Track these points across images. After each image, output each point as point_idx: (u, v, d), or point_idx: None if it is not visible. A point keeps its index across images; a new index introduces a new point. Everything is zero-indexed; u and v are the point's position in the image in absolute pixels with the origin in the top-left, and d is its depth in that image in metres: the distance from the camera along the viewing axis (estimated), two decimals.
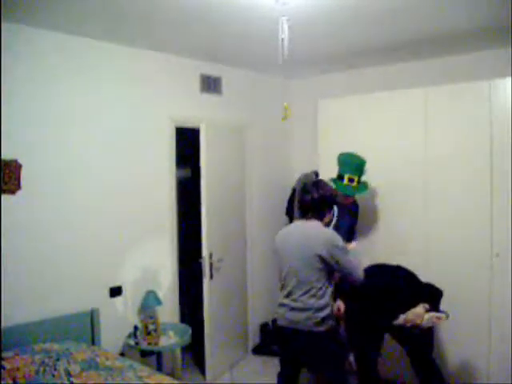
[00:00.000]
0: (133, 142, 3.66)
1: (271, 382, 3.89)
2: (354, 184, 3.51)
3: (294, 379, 2.87)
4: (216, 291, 3.98)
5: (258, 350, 4.52)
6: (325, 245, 2.62)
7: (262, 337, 4.66)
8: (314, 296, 2.65)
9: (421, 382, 3.07)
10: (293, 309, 2.70)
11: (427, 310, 2.78)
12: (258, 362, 4.28)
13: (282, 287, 2.80)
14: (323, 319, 2.65)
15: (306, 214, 2.81)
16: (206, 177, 3.80)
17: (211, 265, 3.88)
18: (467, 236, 3.39)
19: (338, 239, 2.68)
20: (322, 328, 2.65)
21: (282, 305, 2.78)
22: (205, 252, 3.83)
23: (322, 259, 2.62)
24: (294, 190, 4.71)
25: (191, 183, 4.73)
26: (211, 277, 3.89)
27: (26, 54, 3.03)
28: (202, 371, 3.97)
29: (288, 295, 2.74)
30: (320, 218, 2.80)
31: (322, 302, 2.66)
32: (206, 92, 4.21)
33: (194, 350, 4.02)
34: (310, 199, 2.77)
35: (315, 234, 2.71)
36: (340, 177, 3.54)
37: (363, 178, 3.58)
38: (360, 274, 2.71)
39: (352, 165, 3.52)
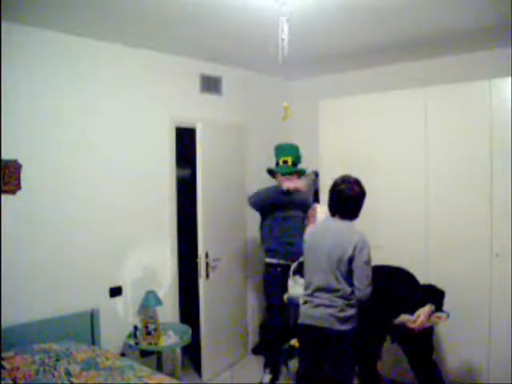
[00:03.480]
0: (133, 141, 3.66)
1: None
2: (289, 164, 3.80)
3: (315, 379, 2.83)
4: (213, 290, 3.98)
5: (257, 350, 4.52)
6: (354, 246, 2.62)
7: (261, 337, 4.66)
8: (341, 297, 2.65)
9: (420, 382, 3.06)
10: (318, 305, 2.69)
11: (433, 311, 2.79)
12: (257, 361, 4.28)
13: (307, 284, 2.78)
14: (348, 318, 2.65)
15: (343, 211, 2.74)
16: (201, 176, 3.79)
17: (207, 264, 3.88)
18: (467, 236, 3.38)
19: (368, 246, 2.67)
20: (344, 327, 2.64)
21: (306, 301, 2.77)
22: (201, 251, 3.83)
23: (350, 261, 2.62)
24: None
25: (191, 183, 4.72)
26: (207, 276, 3.89)
27: (26, 54, 3.03)
28: (200, 371, 3.96)
29: (313, 293, 2.73)
30: (356, 216, 2.76)
31: (349, 302, 2.66)
32: (206, 92, 4.21)
33: (194, 350, 4.02)
34: (354, 196, 2.70)
35: (350, 234, 2.68)
36: (276, 164, 3.88)
37: (300, 166, 3.95)
38: (367, 293, 2.64)
39: (283, 150, 3.88)
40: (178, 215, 4.02)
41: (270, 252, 3.85)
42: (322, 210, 3.53)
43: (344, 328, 2.64)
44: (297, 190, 3.81)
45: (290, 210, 3.79)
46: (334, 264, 2.64)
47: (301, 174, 3.93)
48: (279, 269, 3.79)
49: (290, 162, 3.79)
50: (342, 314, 2.64)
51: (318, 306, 2.69)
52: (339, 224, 2.74)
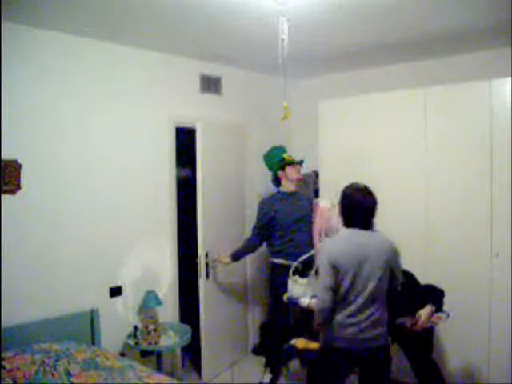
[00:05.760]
0: (133, 142, 3.66)
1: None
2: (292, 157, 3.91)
3: None
4: (213, 291, 3.99)
5: (257, 350, 4.52)
6: (393, 253, 2.54)
7: (261, 337, 4.66)
8: (383, 309, 2.52)
9: (420, 382, 3.07)
10: (366, 328, 2.44)
11: (433, 312, 2.79)
12: (257, 361, 4.27)
13: (344, 305, 2.45)
14: (388, 331, 2.55)
15: (365, 221, 2.54)
16: (201, 176, 3.79)
17: (207, 264, 3.88)
18: (467, 236, 3.38)
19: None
20: (388, 341, 2.54)
21: (348, 325, 2.45)
22: (200, 251, 3.82)
23: (390, 268, 2.52)
24: None
25: (192, 183, 4.72)
26: (207, 276, 3.89)
27: (26, 54, 3.03)
28: (200, 371, 3.96)
29: (355, 313, 2.44)
30: (372, 224, 2.58)
31: (387, 313, 2.55)
32: (206, 92, 4.21)
33: (194, 350, 4.02)
34: (373, 205, 2.55)
35: (384, 242, 2.54)
36: (281, 161, 3.87)
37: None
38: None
39: (281, 149, 3.98)
40: (179, 215, 4.02)
41: (277, 253, 3.85)
42: (326, 205, 3.55)
43: (387, 342, 2.54)
44: (299, 189, 3.91)
45: (296, 212, 3.79)
46: (380, 275, 2.46)
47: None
48: (285, 270, 3.78)
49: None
50: (385, 329, 2.51)
51: (366, 328, 2.44)
52: (368, 235, 2.53)
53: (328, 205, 3.55)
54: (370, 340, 2.45)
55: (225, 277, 4.17)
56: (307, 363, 3.88)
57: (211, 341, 3.95)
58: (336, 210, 3.42)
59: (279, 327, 3.88)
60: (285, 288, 3.82)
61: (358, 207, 2.54)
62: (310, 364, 2.83)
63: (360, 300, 2.44)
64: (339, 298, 2.45)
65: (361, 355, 2.47)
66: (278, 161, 3.89)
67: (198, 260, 3.84)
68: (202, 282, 3.85)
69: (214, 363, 4.00)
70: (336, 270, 2.43)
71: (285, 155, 3.89)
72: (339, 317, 2.46)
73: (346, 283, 2.43)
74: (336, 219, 3.52)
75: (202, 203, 3.80)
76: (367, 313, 2.44)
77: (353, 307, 2.44)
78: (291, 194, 3.87)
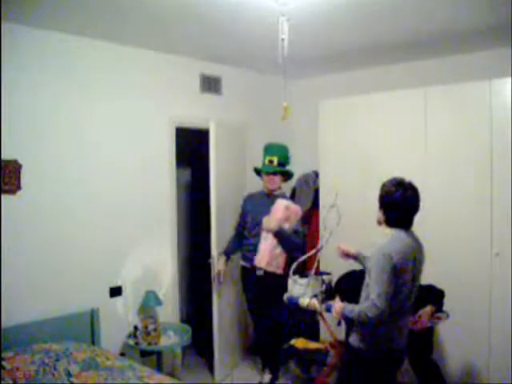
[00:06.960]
0: (133, 141, 3.66)
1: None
2: (274, 164, 3.70)
3: None
4: (222, 291, 3.96)
5: (256, 351, 4.50)
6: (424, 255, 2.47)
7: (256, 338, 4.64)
8: None
9: (421, 382, 3.07)
10: (406, 329, 2.47)
11: (433, 312, 2.79)
12: (257, 361, 4.26)
13: (398, 311, 2.34)
14: None
15: (411, 222, 2.41)
16: (214, 177, 3.75)
17: None
18: (467, 236, 3.38)
19: None
20: None
21: (400, 329, 2.41)
22: (214, 253, 3.77)
23: None
24: (293, 190, 4.72)
25: (191, 183, 4.73)
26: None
27: (26, 54, 3.03)
28: (210, 371, 3.98)
29: (403, 317, 2.42)
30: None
31: None
32: (206, 92, 4.21)
33: (198, 350, 4.00)
34: (418, 203, 2.38)
35: (421, 243, 2.44)
36: (263, 164, 3.80)
37: (289, 167, 3.84)
38: None
39: (271, 149, 3.80)
40: (179, 216, 4.01)
41: (242, 253, 3.85)
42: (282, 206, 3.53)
43: None
44: (278, 195, 3.77)
45: (260, 216, 3.63)
46: (417, 280, 2.45)
47: (286, 175, 3.80)
48: (244, 272, 3.79)
49: (275, 162, 3.69)
50: None
51: (406, 328, 2.47)
52: (413, 236, 2.42)
53: (282, 206, 3.53)
54: (405, 341, 2.46)
55: (233, 277, 4.14)
56: (307, 363, 3.88)
57: (224, 342, 3.94)
58: (290, 212, 3.41)
59: (258, 331, 3.87)
60: (245, 290, 3.84)
61: (411, 205, 2.36)
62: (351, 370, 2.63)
63: (408, 305, 2.40)
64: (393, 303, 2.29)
65: (402, 357, 2.50)
66: (262, 161, 3.82)
67: (212, 261, 3.77)
68: (215, 284, 3.78)
69: (223, 364, 3.97)
70: (398, 275, 2.26)
71: (267, 159, 3.72)
72: (391, 321, 2.33)
73: (404, 288, 2.31)
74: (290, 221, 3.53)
75: (215, 204, 3.75)
76: (406, 317, 2.46)
77: (402, 312, 2.38)
78: (266, 196, 3.77)
